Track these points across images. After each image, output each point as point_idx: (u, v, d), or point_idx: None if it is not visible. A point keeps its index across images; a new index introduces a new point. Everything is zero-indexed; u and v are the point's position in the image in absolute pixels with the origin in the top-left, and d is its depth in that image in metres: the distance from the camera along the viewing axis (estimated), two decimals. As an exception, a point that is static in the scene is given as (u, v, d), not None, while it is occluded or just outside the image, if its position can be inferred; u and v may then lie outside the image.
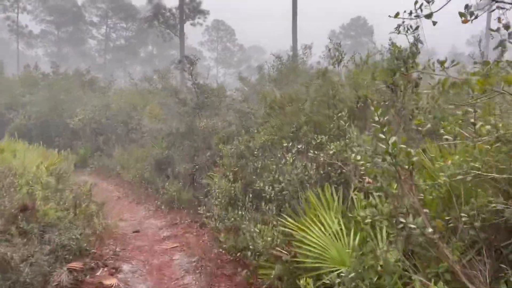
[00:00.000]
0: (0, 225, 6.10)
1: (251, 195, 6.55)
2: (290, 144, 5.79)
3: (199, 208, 8.90)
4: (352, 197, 4.93)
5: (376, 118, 3.23)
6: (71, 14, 75.29)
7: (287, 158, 5.60)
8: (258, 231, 4.97)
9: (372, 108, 3.33)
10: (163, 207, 10.07)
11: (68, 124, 18.83)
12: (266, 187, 5.73)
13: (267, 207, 5.55)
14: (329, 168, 5.40)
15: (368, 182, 3.38)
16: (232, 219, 6.32)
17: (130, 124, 17.34)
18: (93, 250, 6.16)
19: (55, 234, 5.88)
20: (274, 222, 5.27)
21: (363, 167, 3.41)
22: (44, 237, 6.09)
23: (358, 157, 3.34)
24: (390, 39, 4.67)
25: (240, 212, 6.37)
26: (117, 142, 17.23)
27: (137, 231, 8.22)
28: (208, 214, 7.27)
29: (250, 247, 5.16)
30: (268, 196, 5.77)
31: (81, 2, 75.98)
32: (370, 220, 3.15)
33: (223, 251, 5.95)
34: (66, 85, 20.97)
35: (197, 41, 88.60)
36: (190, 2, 48.39)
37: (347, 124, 5.11)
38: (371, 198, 3.89)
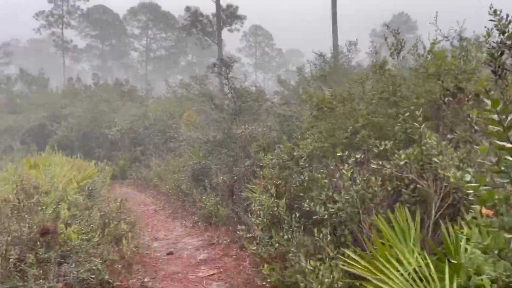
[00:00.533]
0: (15, 254, 5.42)
1: (297, 214, 5.48)
2: (346, 153, 4.67)
3: (238, 226, 8.00)
4: (431, 224, 3.77)
5: (495, 117, 2.09)
6: (113, 28, 77.80)
7: (343, 170, 4.48)
8: (311, 268, 3.89)
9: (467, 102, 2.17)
10: (200, 224, 9.19)
11: (107, 135, 18.59)
12: (318, 207, 4.64)
13: (319, 233, 4.45)
14: (399, 183, 4.24)
15: (487, 215, 2.21)
16: (277, 244, 5.27)
17: (167, 133, 16.78)
18: (116, 283, 5.31)
19: (72, 266, 5.07)
20: (330, 253, 4.17)
21: (469, 188, 2.26)
22: (62, 267, 5.33)
23: (468, 177, 2.18)
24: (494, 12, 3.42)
25: (285, 236, 5.31)
26: (155, 152, 16.69)
27: (170, 253, 7.36)
28: (248, 235, 6.27)
29: (302, 285, 4.08)
30: (319, 217, 4.68)
31: (122, 15, 78.29)
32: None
33: (268, 286, 4.90)
34: (105, 96, 20.85)
35: (235, 48, 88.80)
36: (227, 8, 48.09)
37: (422, 126, 3.93)
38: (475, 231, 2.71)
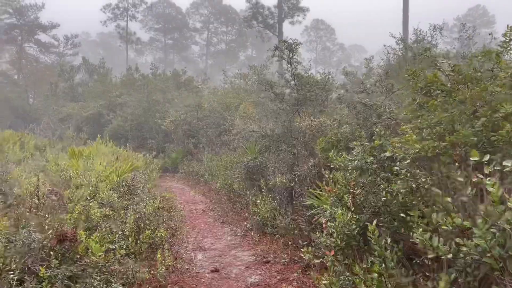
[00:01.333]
0: (19, 266, 4.27)
1: (388, 240, 3.79)
2: (486, 158, 2.93)
3: (300, 241, 6.43)
4: None
5: None
6: (176, 21, 79.03)
7: (486, 183, 2.75)
8: None
9: None
10: (252, 232, 7.73)
11: (160, 125, 17.79)
12: (435, 242, 2.95)
13: (434, 281, 2.77)
14: None
15: None
16: (358, 279, 3.65)
17: (222, 125, 15.56)
18: (138, 318, 3.97)
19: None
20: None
21: None
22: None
23: None
24: None
25: (375, 271, 3.67)
26: (208, 145, 15.54)
27: (216, 270, 5.96)
28: (316, 260, 4.70)
29: None
30: (436, 256, 2.99)
31: (185, 9, 79.28)
32: None
33: None
34: (160, 85, 20.12)
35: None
36: (289, -1, 46.45)
37: None
38: None
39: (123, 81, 24.96)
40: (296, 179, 8.00)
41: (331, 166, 6.06)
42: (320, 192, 6.79)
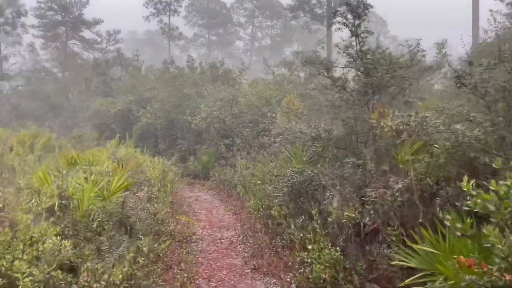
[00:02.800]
0: None
1: None
2: None
3: None
4: None
5: None
6: (220, 16, 77.24)
7: None
8: None
9: None
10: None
11: (190, 123, 15.19)
12: None
13: None
14: None
15: None
16: None
17: (261, 124, 12.67)
18: None
19: None
20: None
21: None
22: None
23: None
24: None
25: None
26: (243, 147, 12.70)
27: None
28: None
29: None
30: None
31: (229, 3, 77.23)
32: None
33: None
34: (191, 77, 17.55)
35: (345, 34, 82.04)
36: (339, -14, 42.63)
37: None
38: None
39: (155, 74, 22.70)
40: (372, 213, 4.93)
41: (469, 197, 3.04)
42: (423, 248, 3.74)
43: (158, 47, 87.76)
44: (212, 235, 7.90)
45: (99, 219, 4.80)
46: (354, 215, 4.89)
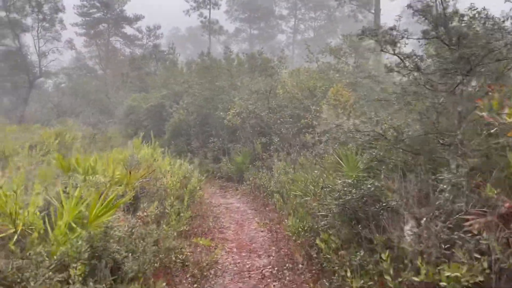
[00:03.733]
0: None
1: None
2: None
3: None
4: None
5: None
6: (262, 10, 75.43)
7: None
8: None
9: None
10: None
11: (223, 119, 13.53)
12: None
13: None
14: None
15: None
16: None
17: (303, 119, 10.77)
18: None
19: None
20: None
21: None
22: None
23: None
24: None
25: None
26: (282, 147, 10.85)
27: None
28: None
29: None
30: None
31: (271, -4, 75.22)
32: None
33: None
34: (227, 67, 15.88)
35: (394, 18, 77.43)
36: (389, -30, 39.60)
37: None
38: None
39: (190, 67, 21.30)
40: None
41: None
42: None
43: (200, 43, 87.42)
44: (239, 263, 6.14)
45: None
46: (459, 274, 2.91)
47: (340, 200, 5.11)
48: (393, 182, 4.79)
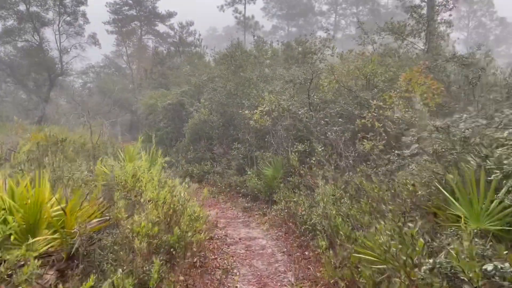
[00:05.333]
0: None
1: None
2: None
3: None
4: None
5: None
6: (301, 6, 72.16)
7: None
8: None
9: None
10: None
11: (249, 120, 10.43)
12: None
13: None
14: None
15: None
16: None
17: (359, 119, 7.48)
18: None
19: None
20: None
21: None
22: None
23: None
24: None
25: None
26: (329, 158, 7.58)
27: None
28: None
29: None
30: None
31: (311, -9, 71.71)
32: None
33: None
34: (253, 55, 12.77)
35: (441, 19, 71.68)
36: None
37: None
38: None
39: (216, 59, 18.36)
40: None
41: None
42: None
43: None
44: None
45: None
46: None
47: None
48: None
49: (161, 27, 48.81)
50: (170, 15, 47.44)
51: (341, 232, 4.97)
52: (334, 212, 5.59)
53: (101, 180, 6.35)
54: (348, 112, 8.10)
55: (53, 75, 26.96)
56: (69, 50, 28.34)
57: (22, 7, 25.75)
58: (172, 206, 5.07)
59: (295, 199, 7.70)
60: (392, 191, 5.04)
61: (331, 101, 9.03)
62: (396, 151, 5.29)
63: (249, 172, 10.27)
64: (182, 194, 5.32)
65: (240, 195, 10.77)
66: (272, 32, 73.77)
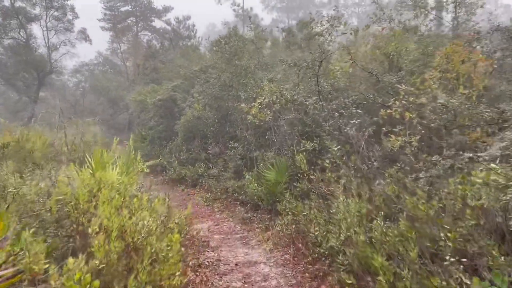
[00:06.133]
0: None
1: None
2: None
3: None
4: None
5: None
6: (301, -3, 70.44)
7: None
8: None
9: None
10: None
11: (246, 115, 8.84)
12: None
13: None
14: None
15: None
16: None
17: (383, 110, 5.87)
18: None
19: None
20: None
21: None
22: None
23: None
24: None
25: None
26: (347, 160, 5.98)
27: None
28: None
29: None
30: None
31: (311, -18, 69.82)
32: None
33: None
34: (249, 40, 11.18)
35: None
36: None
37: None
38: None
39: (212, 50, 16.72)
40: None
41: None
42: None
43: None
44: None
45: None
46: None
47: None
48: None
49: (157, 23, 47.15)
50: (167, 9, 45.76)
51: (378, 271, 3.41)
52: (361, 237, 4.02)
53: (59, 195, 4.82)
54: (368, 101, 6.51)
55: (41, 73, 25.41)
56: (58, 46, 26.78)
57: (7, 2, 24.22)
58: (132, 240, 3.52)
59: (304, 212, 6.14)
60: (448, 208, 3.47)
61: (344, 89, 7.43)
62: (466, 154, 3.72)
63: (247, 176, 8.69)
64: (147, 221, 3.74)
65: (238, 202, 9.21)
66: (271, 26, 71.94)
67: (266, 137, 8.67)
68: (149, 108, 15.58)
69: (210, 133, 12.28)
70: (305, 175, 6.74)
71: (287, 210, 6.81)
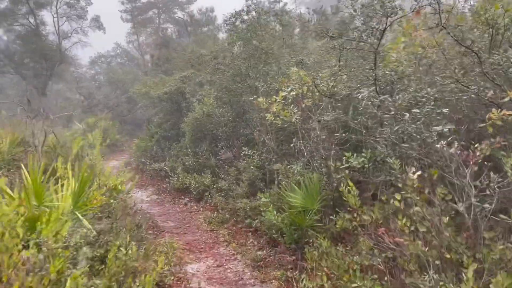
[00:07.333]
0: None
1: None
2: None
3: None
4: None
5: None
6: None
7: None
8: None
9: None
10: None
11: (266, 112, 6.44)
12: None
13: None
14: None
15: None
16: None
17: (497, 107, 3.35)
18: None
19: None
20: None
21: None
22: None
23: None
24: None
25: None
26: (432, 194, 3.51)
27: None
28: None
29: None
30: None
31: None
32: None
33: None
34: (271, 21, 8.80)
35: None
36: None
37: None
38: None
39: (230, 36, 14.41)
40: None
41: None
42: None
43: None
44: None
45: None
46: None
47: None
48: None
49: (180, 15, 45.22)
50: (190, 1, 43.78)
51: None
52: None
53: None
54: (454, 94, 4.03)
55: (51, 63, 23.74)
56: (69, 35, 25.08)
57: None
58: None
59: (348, 276, 3.71)
60: None
61: (408, 75, 4.94)
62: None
63: (263, 199, 6.31)
64: None
65: (251, 231, 6.84)
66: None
67: (292, 144, 6.25)
68: (155, 102, 13.44)
69: (222, 135, 9.98)
70: (354, 209, 4.31)
71: (318, 262, 4.42)
